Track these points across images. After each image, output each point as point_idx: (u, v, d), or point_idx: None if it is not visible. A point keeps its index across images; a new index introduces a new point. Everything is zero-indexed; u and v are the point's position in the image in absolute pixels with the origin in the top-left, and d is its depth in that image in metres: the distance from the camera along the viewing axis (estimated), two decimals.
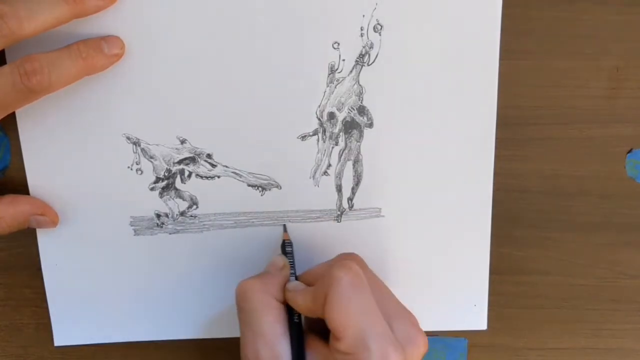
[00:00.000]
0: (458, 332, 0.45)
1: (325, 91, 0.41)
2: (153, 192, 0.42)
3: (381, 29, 0.40)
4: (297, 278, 0.40)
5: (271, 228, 0.43)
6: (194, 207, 0.43)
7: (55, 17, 0.36)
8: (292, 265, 0.40)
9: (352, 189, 0.43)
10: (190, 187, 0.42)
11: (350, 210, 0.43)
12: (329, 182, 0.42)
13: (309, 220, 0.43)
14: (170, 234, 0.43)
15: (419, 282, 0.44)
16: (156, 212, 0.42)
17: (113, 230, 0.43)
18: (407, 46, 0.40)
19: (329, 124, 0.41)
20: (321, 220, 0.43)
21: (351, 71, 0.41)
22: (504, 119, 0.42)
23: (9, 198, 0.40)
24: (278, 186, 0.42)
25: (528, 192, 0.43)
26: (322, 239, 0.43)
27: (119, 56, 0.39)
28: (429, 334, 0.45)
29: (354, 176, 0.42)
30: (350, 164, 0.42)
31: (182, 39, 0.40)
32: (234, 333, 0.45)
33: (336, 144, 0.42)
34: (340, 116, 0.41)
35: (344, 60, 0.40)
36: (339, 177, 0.42)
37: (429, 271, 0.44)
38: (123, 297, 0.44)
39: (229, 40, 0.40)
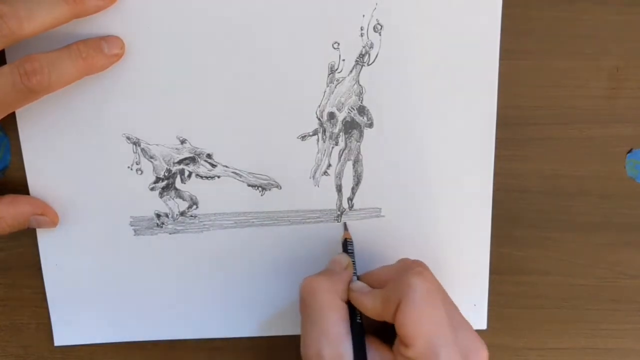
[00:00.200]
0: None
1: (325, 91, 0.41)
2: (153, 192, 0.42)
3: (381, 29, 0.40)
4: (358, 278, 0.40)
5: (271, 228, 0.43)
6: (194, 207, 0.43)
7: (55, 17, 0.36)
8: (354, 264, 0.40)
9: (352, 189, 0.43)
10: (190, 187, 0.42)
11: (350, 210, 0.43)
12: (329, 182, 0.42)
13: (309, 220, 0.43)
14: (170, 234, 0.43)
15: None
16: (156, 212, 0.42)
17: (113, 230, 0.43)
18: (407, 46, 0.40)
19: (329, 124, 0.41)
20: (321, 221, 0.43)
21: (351, 71, 0.41)
22: (504, 119, 0.42)
23: (9, 198, 0.40)
24: (278, 186, 0.42)
25: (528, 192, 0.43)
26: (322, 239, 0.43)
27: (119, 56, 0.39)
28: None
29: (354, 176, 0.42)
30: (350, 164, 0.42)
31: (182, 39, 0.40)
32: (234, 333, 0.45)
33: (336, 144, 0.42)
34: (340, 116, 0.41)
35: (344, 60, 0.40)
36: (339, 177, 0.42)
37: None
38: (123, 297, 0.44)
39: (229, 40, 0.40)
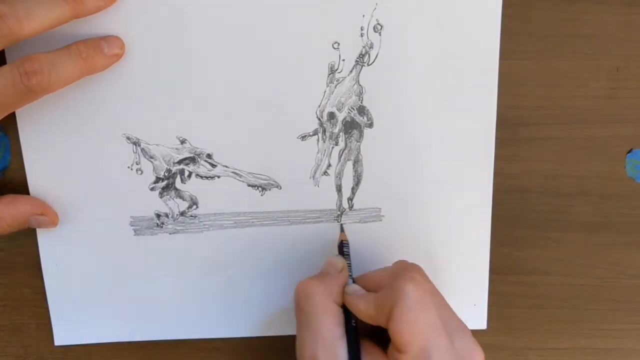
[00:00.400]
0: None
1: (325, 91, 0.41)
2: (153, 192, 0.42)
3: (381, 29, 0.40)
4: (354, 281, 0.40)
5: (271, 228, 0.43)
6: (194, 207, 0.43)
7: (55, 17, 0.36)
8: (350, 267, 0.40)
9: (352, 189, 0.43)
10: (190, 187, 0.42)
11: (350, 210, 0.43)
12: (329, 182, 0.42)
13: (309, 221, 0.43)
14: (170, 234, 0.43)
15: None
16: (156, 212, 0.42)
17: (113, 230, 0.43)
18: (407, 46, 0.40)
19: (329, 124, 0.41)
20: (321, 221, 0.43)
21: (351, 71, 0.41)
22: (504, 119, 0.42)
23: (9, 198, 0.40)
24: (278, 186, 0.42)
25: (528, 192, 0.43)
26: (322, 239, 0.43)
27: (119, 56, 0.39)
28: None
29: (354, 176, 0.42)
30: (350, 164, 0.42)
31: (182, 39, 0.39)
32: (233, 333, 0.45)
33: (336, 144, 0.42)
34: (340, 116, 0.41)
35: (344, 60, 0.40)
36: (339, 177, 0.42)
37: (429, 271, 0.44)
38: (123, 297, 0.44)
39: (229, 40, 0.40)
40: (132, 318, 0.44)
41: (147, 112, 0.41)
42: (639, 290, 0.45)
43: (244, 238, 0.43)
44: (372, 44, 0.40)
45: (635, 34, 0.41)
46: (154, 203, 0.42)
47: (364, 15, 0.40)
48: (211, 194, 0.42)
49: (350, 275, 0.40)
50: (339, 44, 0.40)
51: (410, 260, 0.43)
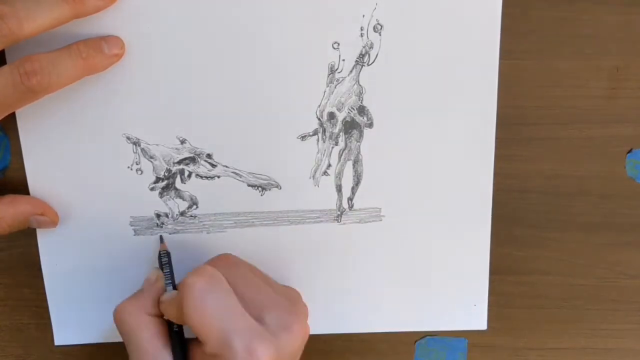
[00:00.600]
0: (458, 332, 0.45)
1: (325, 91, 0.41)
2: (153, 192, 0.42)
3: (381, 29, 0.40)
4: (175, 287, 0.40)
5: (271, 228, 0.43)
6: (194, 207, 0.43)
7: (55, 17, 0.36)
8: (169, 275, 0.40)
9: (352, 189, 0.43)
10: (190, 187, 0.42)
11: (350, 210, 0.43)
12: (329, 182, 0.42)
13: (309, 221, 0.43)
14: (170, 234, 0.43)
15: (419, 282, 0.44)
16: (156, 212, 0.42)
17: (113, 230, 0.43)
18: (407, 46, 0.40)
19: (329, 124, 0.41)
20: (321, 221, 0.43)
21: (351, 71, 0.41)
22: (504, 119, 0.42)
23: (9, 198, 0.40)
24: (278, 186, 0.42)
25: (528, 192, 0.43)
26: (322, 239, 0.43)
27: (119, 56, 0.39)
28: (429, 334, 0.45)
29: (354, 176, 0.42)
30: (350, 164, 0.42)
31: (182, 39, 0.39)
32: None
33: (336, 144, 0.42)
34: (340, 116, 0.41)
35: (344, 60, 0.40)
36: (339, 177, 0.42)
37: (429, 271, 0.44)
38: (123, 297, 0.44)
39: (229, 40, 0.40)
40: None
41: (147, 112, 0.41)
42: (639, 290, 0.45)
43: (244, 238, 0.43)
44: (372, 44, 0.40)
45: (635, 34, 0.41)
46: (154, 203, 0.42)
47: (364, 15, 0.40)
48: (211, 194, 0.42)
49: (169, 283, 0.40)
50: (339, 44, 0.40)
51: (411, 260, 0.43)
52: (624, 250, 0.44)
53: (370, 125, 0.42)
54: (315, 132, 0.42)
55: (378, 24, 0.40)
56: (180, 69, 0.40)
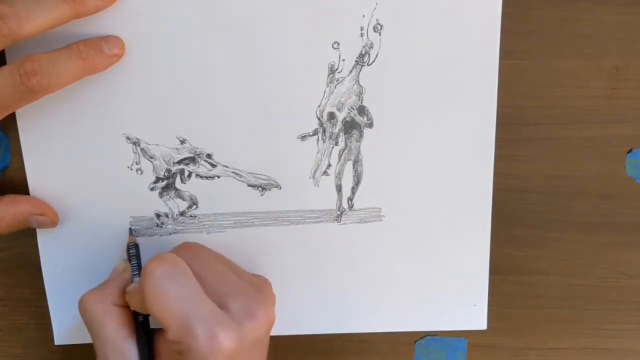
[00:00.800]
0: (458, 332, 0.45)
1: (325, 91, 0.41)
2: (153, 192, 0.42)
3: (381, 29, 0.40)
4: None
5: (271, 228, 0.43)
6: (194, 207, 0.43)
7: (55, 17, 0.36)
8: (136, 267, 0.40)
9: (352, 189, 0.43)
10: (190, 187, 0.42)
11: (350, 210, 0.43)
12: (329, 182, 0.42)
13: (309, 221, 0.43)
14: (170, 234, 0.43)
15: (419, 282, 0.44)
16: (156, 212, 0.42)
17: (113, 230, 0.43)
18: (407, 46, 0.40)
19: (329, 124, 0.41)
20: (321, 221, 0.43)
21: (351, 71, 0.41)
22: (504, 119, 0.42)
23: (9, 198, 0.40)
24: (278, 186, 0.42)
25: (528, 192, 0.43)
26: (322, 239, 0.43)
27: (119, 56, 0.39)
28: (429, 334, 0.45)
29: (354, 176, 0.42)
30: (350, 164, 0.42)
31: (182, 39, 0.39)
32: None
33: (336, 144, 0.42)
34: (340, 116, 0.41)
35: (344, 60, 0.40)
36: (339, 177, 0.42)
37: (429, 271, 0.44)
38: None
39: (229, 40, 0.40)
40: None
41: (147, 112, 0.41)
42: (639, 290, 0.45)
43: (244, 238, 0.43)
44: (372, 44, 0.40)
45: (635, 34, 0.41)
46: (154, 203, 0.42)
47: (364, 15, 0.40)
48: (211, 194, 0.42)
49: (137, 274, 0.40)
50: (339, 44, 0.40)
51: (411, 260, 0.43)
52: (624, 250, 0.44)
53: (370, 125, 0.42)
54: (315, 132, 0.42)
55: (378, 24, 0.40)
56: (180, 69, 0.40)
